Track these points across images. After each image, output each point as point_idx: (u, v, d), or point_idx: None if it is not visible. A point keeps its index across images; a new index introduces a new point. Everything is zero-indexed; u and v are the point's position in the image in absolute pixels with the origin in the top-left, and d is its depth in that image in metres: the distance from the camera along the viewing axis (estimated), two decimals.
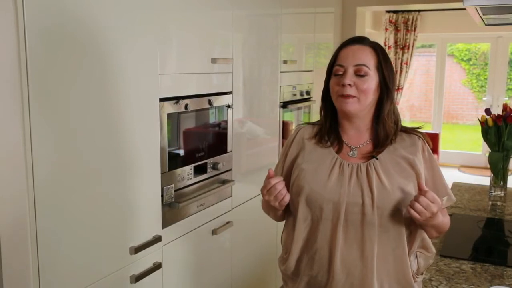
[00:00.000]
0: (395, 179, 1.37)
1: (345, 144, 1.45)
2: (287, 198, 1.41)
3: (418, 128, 1.47)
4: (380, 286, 1.37)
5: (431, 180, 1.43)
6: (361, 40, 1.44)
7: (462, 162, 7.59)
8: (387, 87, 1.41)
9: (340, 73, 1.40)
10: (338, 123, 1.48)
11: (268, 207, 1.52)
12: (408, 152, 1.41)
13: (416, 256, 1.45)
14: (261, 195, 1.45)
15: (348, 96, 1.38)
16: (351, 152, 1.44)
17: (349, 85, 1.37)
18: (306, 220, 1.42)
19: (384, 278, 1.37)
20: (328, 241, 1.38)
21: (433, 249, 1.48)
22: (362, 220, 1.36)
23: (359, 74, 1.38)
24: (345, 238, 1.37)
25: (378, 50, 1.43)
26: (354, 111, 1.40)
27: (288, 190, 1.45)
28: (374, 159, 1.40)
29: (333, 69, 1.43)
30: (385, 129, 1.42)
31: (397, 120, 1.45)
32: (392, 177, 1.37)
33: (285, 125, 3.16)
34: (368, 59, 1.40)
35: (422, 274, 1.47)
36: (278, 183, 1.39)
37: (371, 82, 1.39)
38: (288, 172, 1.50)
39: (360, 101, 1.39)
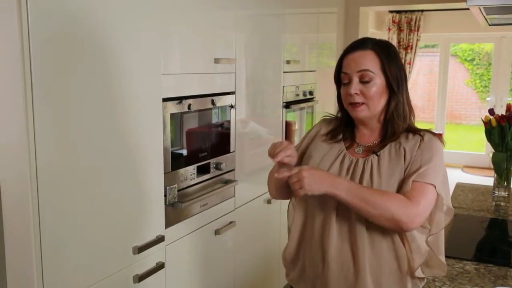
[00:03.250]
0: (387, 175, 1.39)
1: (356, 142, 1.51)
2: (287, 152, 1.41)
3: (428, 129, 1.48)
4: (373, 278, 1.39)
5: (418, 165, 1.38)
6: (362, 45, 1.44)
7: (466, 163, 7.58)
8: (391, 88, 1.44)
9: (346, 81, 1.44)
10: (353, 121, 1.53)
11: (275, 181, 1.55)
12: (409, 149, 1.42)
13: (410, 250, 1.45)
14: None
15: (357, 105, 1.42)
16: (357, 149, 1.49)
17: (356, 93, 1.41)
18: (304, 204, 1.50)
19: (377, 269, 1.39)
20: (321, 228, 1.44)
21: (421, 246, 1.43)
22: (351, 212, 1.40)
23: (364, 80, 1.41)
24: (338, 228, 1.41)
25: (380, 52, 1.43)
26: (365, 117, 1.46)
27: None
28: (374, 155, 1.43)
29: (340, 77, 1.47)
30: (393, 126, 1.46)
31: (405, 118, 1.46)
32: (385, 174, 1.39)
33: (288, 125, 3.16)
34: (370, 63, 1.42)
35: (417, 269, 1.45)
36: (289, 146, 1.43)
37: (377, 86, 1.42)
38: (302, 154, 1.58)
39: (369, 107, 1.43)
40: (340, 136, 1.53)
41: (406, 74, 1.50)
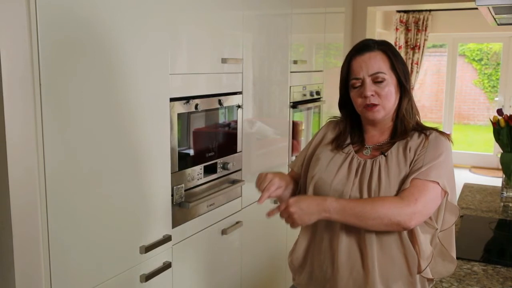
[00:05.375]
0: (395, 175, 1.38)
1: (365, 146, 1.49)
2: (271, 190, 1.45)
3: (434, 128, 1.47)
4: (383, 280, 1.38)
5: (421, 163, 1.37)
6: (369, 47, 1.44)
7: (474, 163, 7.53)
8: (403, 86, 1.44)
9: (359, 85, 1.43)
10: (361, 124, 1.52)
11: None
12: (414, 148, 1.41)
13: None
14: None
15: (373, 106, 1.41)
16: (365, 151, 1.48)
17: (372, 95, 1.40)
18: None
19: (387, 272, 1.38)
20: (331, 231, 1.43)
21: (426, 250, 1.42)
22: None
23: (377, 81, 1.41)
24: (347, 231, 1.40)
25: (388, 51, 1.44)
26: (382, 118, 1.44)
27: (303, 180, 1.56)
28: (382, 155, 1.42)
29: (350, 82, 1.45)
30: (404, 124, 1.45)
31: (413, 115, 1.47)
32: (393, 174, 1.38)
33: (295, 125, 3.15)
34: (381, 64, 1.41)
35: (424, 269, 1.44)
36: (273, 181, 1.46)
37: (390, 86, 1.42)
38: (309, 158, 1.57)
39: (385, 107, 1.42)
40: (348, 141, 1.51)
41: (409, 75, 1.50)
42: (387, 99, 1.41)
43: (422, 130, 1.45)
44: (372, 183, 1.39)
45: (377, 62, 1.41)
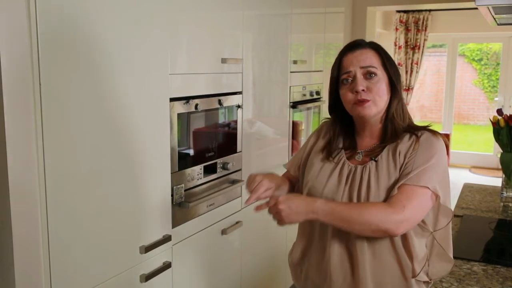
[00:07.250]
0: (385, 181, 1.36)
1: (357, 152, 1.47)
2: (258, 193, 1.45)
3: (426, 126, 1.43)
4: (376, 285, 1.37)
5: (410, 168, 1.35)
6: (360, 45, 1.43)
7: (473, 163, 7.54)
8: (394, 85, 1.42)
9: (350, 79, 1.40)
10: (352, 128, 1.50)
11: None
12: (403, 152, 1.38)
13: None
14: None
15: (364, 101, 1.37)
16: (357, 156, 1.45)
17: (363, 90, 1.37)
18: None
19: (380, 278, 1.37)
20: (324, 239, 1.43)
21: (418, 252, 1.41)
22: None
23: (368, 75, 1.38)
24: (338, 236, 1.40)
25: (379, 50, 1.43)
26: (372, 114, 1.40)
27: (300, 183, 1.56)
28: (372, 161, 1.40)
29: (341, 78, 1.43)
30: (394, 126, 1.42)
31: (404, 118, 1.43)
32: (382, 181, 1.36)
33: (294, 125, 3.15)
34: (373, 60, 1.40)
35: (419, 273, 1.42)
36: (262, 182, 1.46)
37: (382, 82, 1.39)
38: (305, 162, 1.56)
39: (376, 103, 1.38)
40: (340, 146, 1.49)
41: (401, 78, 1.48)
42: (378, 94, 1.38)
43: (414, 131, 1.40)
44: (362, 190, 1.36)
45: (368, 57, 1.40)
